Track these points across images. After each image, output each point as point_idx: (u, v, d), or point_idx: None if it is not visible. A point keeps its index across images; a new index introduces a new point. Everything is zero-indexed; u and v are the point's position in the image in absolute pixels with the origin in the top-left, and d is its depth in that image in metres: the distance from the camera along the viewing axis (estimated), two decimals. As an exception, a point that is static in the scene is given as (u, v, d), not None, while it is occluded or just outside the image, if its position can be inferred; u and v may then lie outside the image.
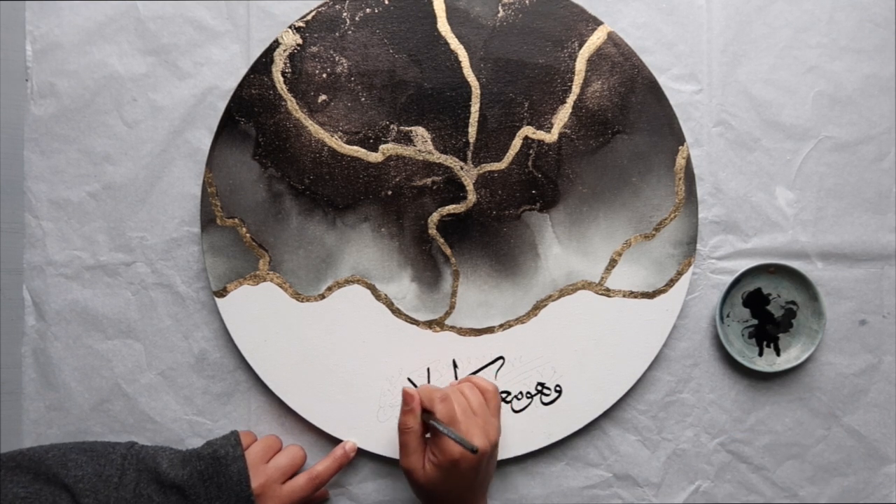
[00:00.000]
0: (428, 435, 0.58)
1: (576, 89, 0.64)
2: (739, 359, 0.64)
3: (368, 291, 0.63)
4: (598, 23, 0.64)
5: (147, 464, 0.56)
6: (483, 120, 0.63)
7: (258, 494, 0.56)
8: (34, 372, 0.64)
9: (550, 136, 0.64)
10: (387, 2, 0.63)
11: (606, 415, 0.64)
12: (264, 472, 0.58)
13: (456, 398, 0.57)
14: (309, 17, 0.63)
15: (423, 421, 0.57)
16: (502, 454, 0.63)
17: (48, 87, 0.64)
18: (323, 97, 0.63)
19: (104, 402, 0.64)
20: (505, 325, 0.64)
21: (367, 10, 0.63)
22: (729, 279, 0.64)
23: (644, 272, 0.64)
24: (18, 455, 0.55)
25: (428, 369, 0.64)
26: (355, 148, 0.63)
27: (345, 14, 0.63)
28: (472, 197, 0.64)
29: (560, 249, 0.64)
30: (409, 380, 0.63)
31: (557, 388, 0.64)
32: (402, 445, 0.57)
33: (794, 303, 0.65)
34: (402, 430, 0.57)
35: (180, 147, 0.64)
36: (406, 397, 0.57)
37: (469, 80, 0.63)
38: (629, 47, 0.64)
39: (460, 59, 0.63)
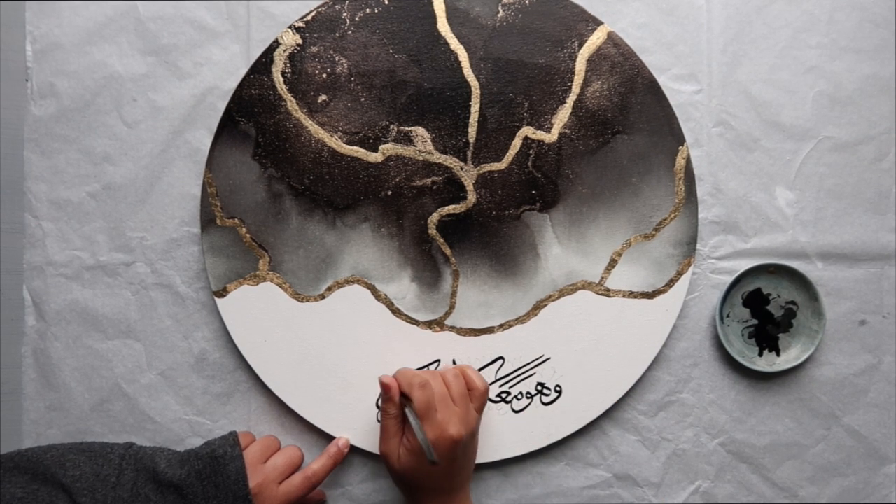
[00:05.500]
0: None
1: (576, 89, 0.64)
2: (739, 359, 0.64)
3: (368, 291, 0.63)
4: (598, 23, 0.64)
5: (145, 463, 0.56)
6: (483, 120, 0.63)
7: (255, 494, 0.56)
8: (34, 372, 0.64)
9: (550, 137, 0.64)
10: (387, 2, 0.63)
11: (606, 415, 0.64)
12: (262, 471, 0.58)
13: (436, 385, 0.56)
14: (309, 18, 0.63)
15: (402, 405, 0.57)
16: (503, 454, 0.63)
17: (48, 88, 0.64)
18: (323, 97, 0.63)
19: (104, 402, 0.64)
20: (505, 326, 0.64)
21: (367, 11, 0.63)
22: (729, 279, 0.64)
23: (644, 272, 0.64)
24: (16, 456, 0.55)
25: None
26: (355, 148, 0.63)
27: (345, 14, 0.63)
28: (471, 197, 0.64)
29: (560, 249, 0.64)
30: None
31: (557, 388, 0.64)
32: (382, 430, 0.57)
33: (793, 303, 0.65)
34: (383, 414, 0.57)
35: (180, 147, 0.64)
36: (384, 388, 0.57)
37: (469, 80, 0.63)
38: (629, 47, 0.64)
39: (460, 59, 0.63)
